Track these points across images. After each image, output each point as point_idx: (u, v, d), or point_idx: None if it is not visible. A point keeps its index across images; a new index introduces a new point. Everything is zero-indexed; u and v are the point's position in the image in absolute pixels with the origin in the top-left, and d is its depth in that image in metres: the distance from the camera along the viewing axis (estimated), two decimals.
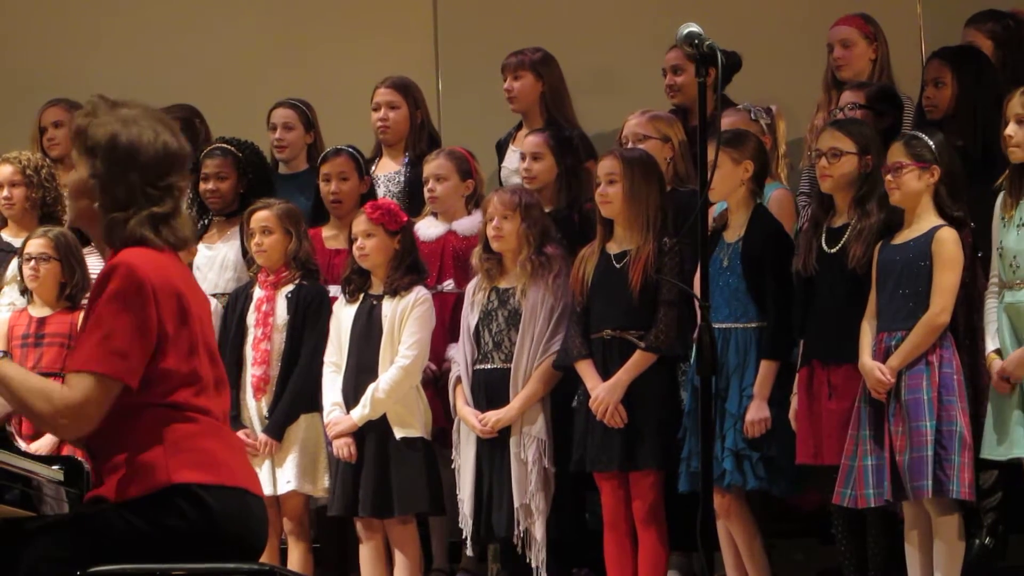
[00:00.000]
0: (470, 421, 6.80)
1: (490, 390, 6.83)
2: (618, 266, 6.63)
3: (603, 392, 6.54)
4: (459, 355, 6.93)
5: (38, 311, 7.20)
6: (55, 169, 7.83)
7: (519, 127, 7.76)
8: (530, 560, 6.71)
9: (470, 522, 6.81)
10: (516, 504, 6.69)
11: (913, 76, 7.47)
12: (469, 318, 6.91)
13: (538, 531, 6.69)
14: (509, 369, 6.81)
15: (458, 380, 6.91)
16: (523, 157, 7.29)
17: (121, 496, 4.08)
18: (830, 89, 7.40)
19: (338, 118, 8.18)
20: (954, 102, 6.85)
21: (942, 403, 6.00)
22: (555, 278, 6.79)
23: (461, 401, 6.88)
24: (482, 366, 6.87)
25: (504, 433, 6.77)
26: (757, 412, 6.35)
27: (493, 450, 6.80)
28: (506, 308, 6.85)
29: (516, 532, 6.70)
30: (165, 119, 4.27)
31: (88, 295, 7.06)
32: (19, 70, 8.99)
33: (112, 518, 4.07)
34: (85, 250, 7.33)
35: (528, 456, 6.73)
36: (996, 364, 6.03)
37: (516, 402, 6.76)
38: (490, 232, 6.83)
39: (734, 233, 6.53)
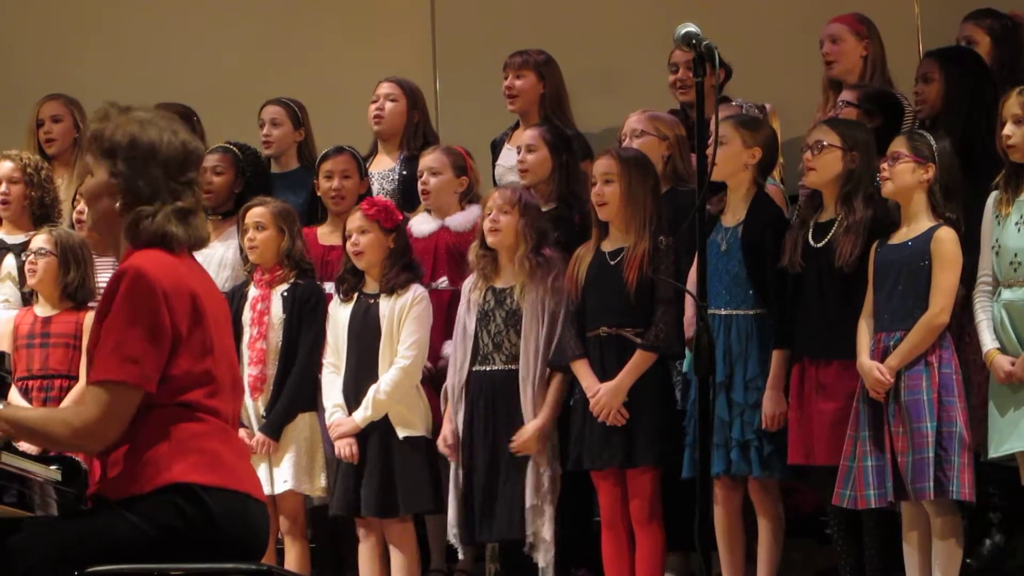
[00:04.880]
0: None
1: (493, 391, 6.78)
2: (612, 263, 6.61)
3: (605, 396, 6.51)
4: (453, 356, 6.87)
5: (43, 310, 7.19)
6: (52, 171, 7.83)
7: (515, 127, 7.76)
8: (537, 560, 6.68)
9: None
10: (527, 505, 6.67)
11: (910, 76, 7.47)
12: (466, 318, 6.87)
13: (547, 532, 6.67)
14: (512, 370, 6.76)
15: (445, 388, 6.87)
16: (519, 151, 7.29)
17: (122, 492, 4.09)
18: (827, 90, 7.41)
19: (336, 118, 8.19)
20: (942, 99, 6.84)
21: (942, 404, 6.00)
22: (555, 279, 6.76)
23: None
24: (482, 367, 6.83)
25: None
26: (776, 406, 6.31)
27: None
28: (503, 308, 6.81)
29: (527, 533, 6.67)
30: (177, 119, 4.34)
31: (97, 296, 7.17)
32: (15, 69, 9.00)
33: (111, 517, 4.08)
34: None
35: (540, 458, 6.71)
36: (999, 360, 6.02)
37: (539, 419, 6.70)
38: (487, 225, 6.78)
39: (732, 217, 6.51)
